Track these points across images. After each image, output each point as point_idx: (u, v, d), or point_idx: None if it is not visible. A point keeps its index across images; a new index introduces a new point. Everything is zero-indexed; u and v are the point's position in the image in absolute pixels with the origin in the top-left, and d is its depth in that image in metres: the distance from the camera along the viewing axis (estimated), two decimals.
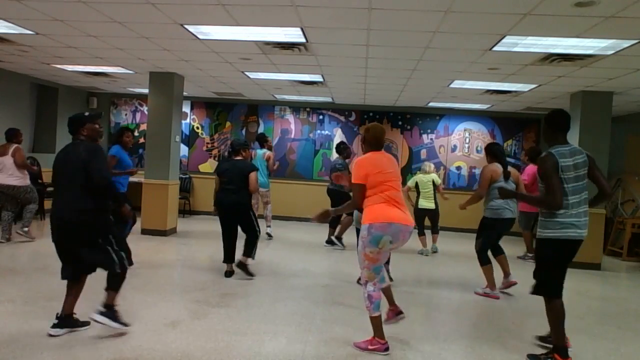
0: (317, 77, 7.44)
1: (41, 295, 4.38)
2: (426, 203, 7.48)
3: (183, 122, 10.06)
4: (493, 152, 5.22)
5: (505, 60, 5.62)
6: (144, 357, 3.21)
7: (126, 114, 10.91)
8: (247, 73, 7.40)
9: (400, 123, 10.36)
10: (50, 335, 3.46)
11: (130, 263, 3.65)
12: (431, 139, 10.36)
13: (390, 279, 5.61)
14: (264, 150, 7.93)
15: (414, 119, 10.34)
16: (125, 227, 5.38)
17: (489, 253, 5.30)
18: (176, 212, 8.42)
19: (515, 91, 7.56)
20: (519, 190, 5.08)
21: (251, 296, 4.83)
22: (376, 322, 3.53)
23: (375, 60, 6.03)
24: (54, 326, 3.51)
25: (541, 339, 3.81)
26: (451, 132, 10.33)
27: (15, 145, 6.68)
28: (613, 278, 6.90)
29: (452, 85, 7.40)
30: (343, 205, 3.76)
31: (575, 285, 6.17)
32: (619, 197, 8.94)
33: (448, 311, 4.77)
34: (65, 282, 3.60)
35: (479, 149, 10.11)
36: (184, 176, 10.37)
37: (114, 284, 3.58)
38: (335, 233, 7.62)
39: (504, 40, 4.82)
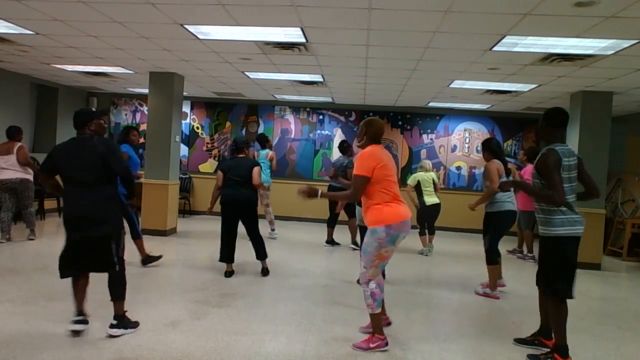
0: (317, 77, 7.44)
1: (41, 295, 4.38)
2: (433, 199, 7.45)
3: (183, 122, 10.07)
4: (491, 148, 5.19)
5: (505, 60, 5.62)
6: (144, 357, 3.21)
7: (126, 114, 10.91)
8: (247, 73, 7.40)
9: (400, 123, 10.36)
10: (111, 336, 3.49)
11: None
12: (431, 139, 10.36)
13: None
14: (267, 150, 7.94)
15: (414, 119, 10.34)
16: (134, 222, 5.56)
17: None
18: (176, 212, 8.42)
19: (515, 91, 7.56)
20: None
21: (251, 296, 4.83)
22: (377, 319, 3.56)
23: (375, 60, 6.03)
24: (112, 326, 3.55)
25: (521, 341, 3.81)
26: (451, 132, 10.34)
27: (19, 144, 6.76)
28: (613, 278, 6.90)
29: (452, 85, 7.40)
30: (338, 192, 3.68)
31: (576, 285, 6.17)
32: (619, 197, 8.94)
33: (448, 311, 4.77)
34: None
35: (479, 149, 10.11)
36: (184, 176, 10.37)
37: (118, 293, 3.60)
38: (351, 241, 7.54)
39: (504, 40, 4.82)
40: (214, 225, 9.19)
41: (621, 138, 8.88)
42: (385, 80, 7.39)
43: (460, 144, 10.33)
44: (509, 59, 5.55)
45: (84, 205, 3.44)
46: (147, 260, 5.74)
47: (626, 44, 4.69)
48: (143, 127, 10.38)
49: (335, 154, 10.31)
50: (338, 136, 10.43)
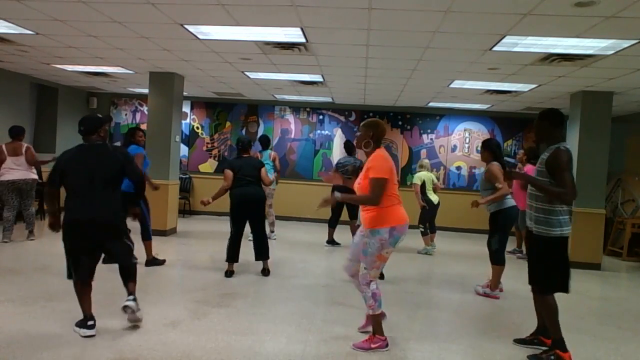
0: (317, 77, 7.44)
1: (41, 295, 4.38)
2: (436, 198, 7.48)
3: (183, 122, 10.06)
4: (492, 149, 5.17)
5: (505, 60, 5.62)
6: (144, 357, 3.21)
7: (126, 114, 10.91)
8: (247, 73, 7.40)
9: (400, 123, 10.36)
10: (128, 307, 3.62)
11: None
12: (431, 139, 10.36)
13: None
14: (269, 150, 7.96)
15: (414, 119, 10.34)
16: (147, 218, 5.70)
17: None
18: (176, 212, 8.42)
19: (515, 91, 7.56)
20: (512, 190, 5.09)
21: (251, 296, 4.83)
22: (378, 320, 3.57)
23: (375, 60, 6.03)
24: (133, 299, 3.66)
25: (521, 341, 3.82)
26: (451, 132, 10.34)
27: (25, 144, 6.91)
28: (613, 278, 6.90)
29: (452, 85, 7.40)
30: (358, 196, 3.57)
31: (575, 285, 6.13)
32: (619, 197, 8.95)
33: (448, 311, 4.77)
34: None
35: (479, 149, 10.09)
36: (184, 176, 10.37)
37: (132, 275, 3.76)
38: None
39: (504, 40, 4.82)
40: (214, 225, 9.22)
41: (621, 138, 8.89)
42: (385, 80, 7.39)
43: (460, 144, 10.33)
44: (509, 59, 5.55)
45: (99, 209, 3.53)
46: (152, 262, 5.75)
47: (626, 44, 4.69)
48: (143, 127, 10.35)
49: (336, 154, 10.34)
50: (338, 136, 10.44)
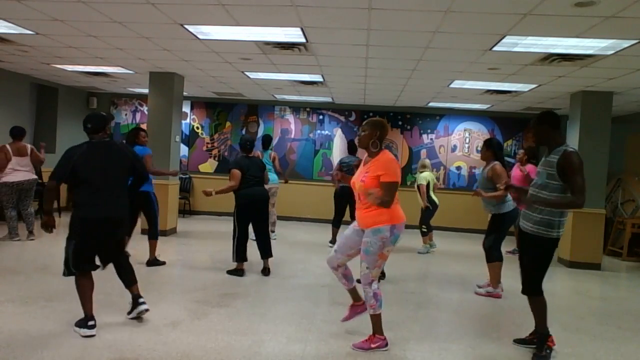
0: (317, 77, 7.44)
1: (41, 295, 4.38)
2: (436, 198, 7.51)
3: (183, 122, 10.07)
4: (494, 148, 5.20)
5: (505, 60, 5.62)
6: (144, 357, 3.21)
7: (126, 114, 10.91)
8: (247, 73, 7.40)
9: (400, 123, 10.36)
10: (147, 310, 3.81)
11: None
12: (431, 139, 10.36)
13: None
14: (270, 150, 7.96)
15: (414, 119, 10.34)
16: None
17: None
18: (176, 212, 8.42)
19: (515, 91, 7.56)
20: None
21: (251, 296, 4.83)
22: (378, 319, 3.57)
23: (375, 60, 6.03)
24: (143, 303, 3.82)
25: (521, 341, 3.82)
26: (451, 132, 10.34)
27: (29, 145, 7.03)
28: (613, 278, 6.90)
29: (452, 85, 7.40)
30: (380, 196, 3.44)
31: (575, 285, 6.18)
32: (619, 197, 8.94)
33: (448, 311, 4.77)
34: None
35: (478, 149, 10.10)
36: (184, 176, 10.37)
37: (133, 277, 3.87)
38: None
39: (504, 40, 4.82)
40: (214, 225, 9.22)
41: (621, 138, 8.88)
42: (385, 80, 7.38)
43: (460, 144, 10.33)
44: (509, 59, 5.55)
45: (114, 206, 3.64)
46: (153, 262, 5.76)
47: (626, 44, 4.69)
48: (143, 127, 10.36)
49: (336, 154, 10.34)
50: (338, 136, 10.44)
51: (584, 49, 4.95)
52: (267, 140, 7.99)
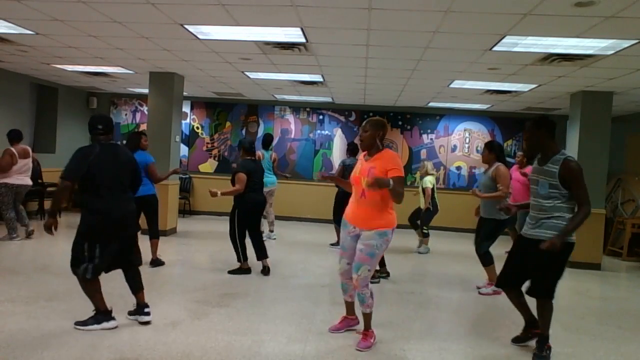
0: (317, 77, 7.44)
1: (41, 295, 4.38)
2: (438, 201, 7.55)
3: (183, 122, 10.06)
4: (496, 151, 5.24)
5: (505, 60, 5.62)
6: (144, 357, 3.21)
7: (126, 114, 10.91)
8: (247, 73, 7.40)
9: (400, 123, 10.36)
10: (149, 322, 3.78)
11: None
12: (431, 139, 10.36)
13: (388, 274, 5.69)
14: (270, 151, 7.97)
15: (414, 119, 10.34)
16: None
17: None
18: (176, 212, 8.42)
19: (515, 91, 7.56)
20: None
21: (251, 296, 4.83)
22: (371, 316, 3.65)
23: (375, 60, 6.03)
24: (148, 313, 3.82)
25: (518, 340, 3.82)
26: (451, 132, 10.33)
27: (29, 148, 7.06)
28: (613, 278, 6.90)
29: (452, 85, 7.40)
30: (395, 189, 3.41)
31: (575, 285, 6.17)
32: (619, 197, 8.94)
33: (448, 310, 4.77)
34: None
35: (478, 149, 10.10)
36: (184, 176, 10.37)
37: (141, 283, 3.90)
38: None
39: (504, 40, 4.82)
40: (214, 225, 9.21)
41: (621, 138, 8.89)
42: (385, 80, 7.38)
43: (460, 144, 10.33)
44: (509, 59, 5.55)
45: (127, 207, 3.73)
46: (156, 262, 5.77)
47: (626, 44, 4.69)
48: (143, 127, 10.38)
49: (336, 154, 10.34)
50: (338, 136, 10.44)
51: (584, 49, 4.95)
52: (268, 139, 7.97)
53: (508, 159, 9.40)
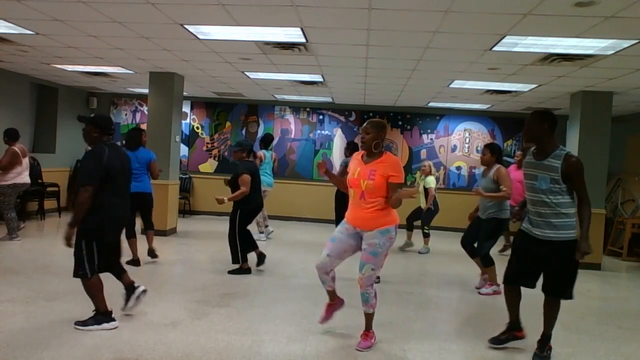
0: (317, 77, 7.44)
1: (41, 295, 4.38)
2: (438, 201, 7.59)
3: (183, 122, 10.06)
4: (498, 152, 5.28)
5: (505, 60, 5.62)
6: (144, 357, 3.21)
7: (126, 114, 10.91)
8: (247, 73, 7.40)
9: (400, 123, 10.36)
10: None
11: None
12: (431, 139, 10.36)
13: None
14: (271, 151, 7.97)
15: (414, 119, 10.34)
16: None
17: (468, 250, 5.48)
18: (176, 212, 8.42)
19: (515, 91, 7.56)
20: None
21: (251, 296, 4.83)
22: (373, 316, 3.65)
23: (375, 60, 6.02)
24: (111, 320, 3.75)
25: (497, 341, 3.74)
26: (451, 132, 10.33)
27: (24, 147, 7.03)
28: (613, 278, 6.90)
29: (452, 85, 7.40)
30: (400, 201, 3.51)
31: (576, 285, 6.15)
32: (619, 197, 8.94)
33: (448, 311, 4.77)
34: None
35: (478, 149, 10.10)
36: (184, 176, 10.37)
37: (122, 265, 4.01)
38: None
39: (504, 40, 4.82)
40: (214, 225, 9.21)
41: (621, 138, 8.88)
42: (385, 80, 7.38)
43: (460, 144, 10.33)
44: (509, 59, 5.55)
45: (127, 205, 3.85)
46: (152, 253, 5.87)
47: (626, 44, 4.69)
48: (143, 127, 10.37)
49: (336, 154, 10.33)
50: (338, 136, 10.43)
51: (584, 49, 4.95)
52: (269, 139, 7.98)
53: (507, 159, 9.50)
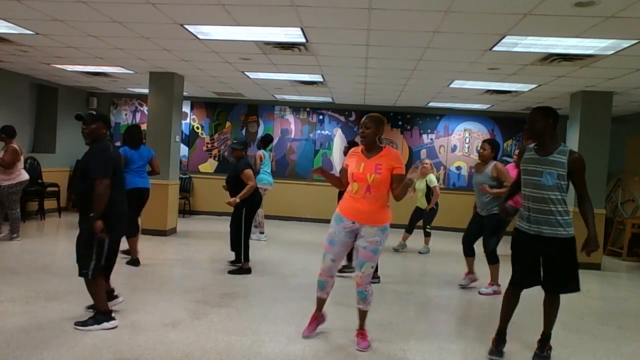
0: (317, 77, 7.44)
1: (41, 295, 4.38)
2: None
3: (183, 122, 10.06)
4: (497, 148, 5.30)
5: (505, 60, 5.62)
6: (144, 357, 3.21)
7: (126, 114, 10.91)
8: (247, 73, 7.40)
9: (400, 123, 10.36)
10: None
11: None
12: (431, 139, 10.36)
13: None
14: (270, 152, 7.98)
15: (414, 119, 10.34)
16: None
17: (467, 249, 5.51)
18: (176, 212, 8.42)
19: (515, 91, 7.56)
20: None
21: (251, 296, 4.83)
22: (367, 314, 3.66)
23: (375, 60, 6.03)
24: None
25: (497, 353, 3.56)
26: (451, 132, 10.34)
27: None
28: (613, 278, 6.90)
29: (452, 85, 7.40)
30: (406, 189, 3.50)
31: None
32: (619, 197, 8.94)
33: (448, 311, 4.77)
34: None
35: (478, 149, 10.09)
36: (184, 176, 10.37)
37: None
38: None
39: (504, 40, 4.82)
40: (214, 225, 9.21)
41: (621, 138, 8.89)
42: (385, 80, 7.38)
43: (460, 144, 10.33)
44: (509, 59, 5.55)
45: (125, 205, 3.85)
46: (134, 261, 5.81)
47: (626, 44, 4.69)
48: (143, 127, 10.36)
49: (336, 154, 10.33)
50: (338, 136, 10.43)
51: (584, 49, 4.95)
52: (268, 139, 8.00)
53: (507, 158, 9.51)
